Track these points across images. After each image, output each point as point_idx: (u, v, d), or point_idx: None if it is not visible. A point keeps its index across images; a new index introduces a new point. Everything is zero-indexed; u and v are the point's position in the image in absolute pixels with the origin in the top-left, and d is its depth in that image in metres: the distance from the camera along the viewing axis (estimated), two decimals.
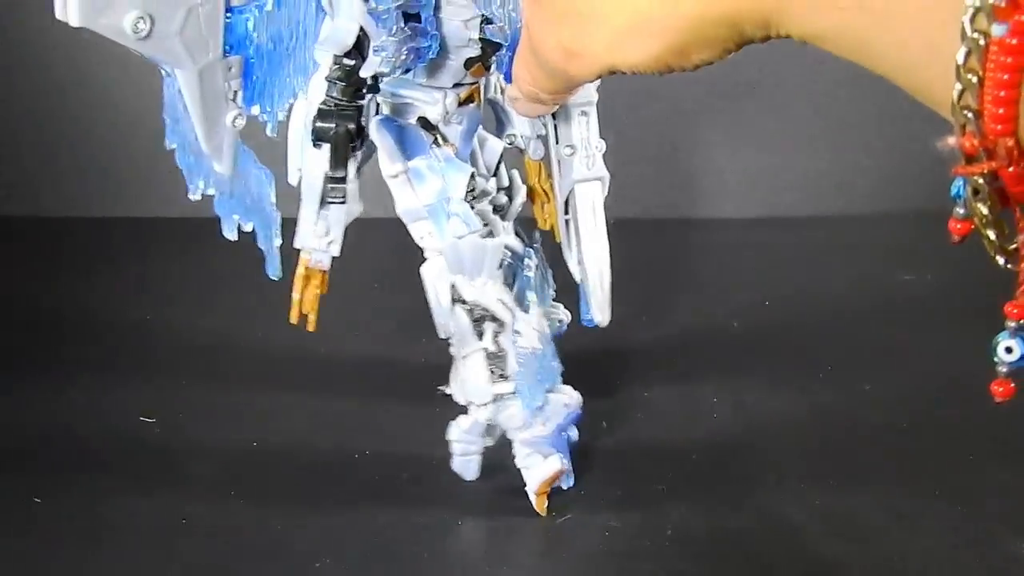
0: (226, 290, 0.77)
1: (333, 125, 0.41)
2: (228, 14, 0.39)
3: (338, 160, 0.42)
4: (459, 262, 0.48)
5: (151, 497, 0.53)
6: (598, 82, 0.50)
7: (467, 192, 0.48)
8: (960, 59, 0.24)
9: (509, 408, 0.51)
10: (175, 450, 0.58)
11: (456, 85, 0.47)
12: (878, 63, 0.27)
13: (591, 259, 0.56)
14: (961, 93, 0.24)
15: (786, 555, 0.50)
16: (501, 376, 0.50)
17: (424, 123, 0.48)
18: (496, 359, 0.50)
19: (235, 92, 0.40)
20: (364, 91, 0.42)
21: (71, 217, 0.93)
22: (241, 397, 0.63)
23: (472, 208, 0.48)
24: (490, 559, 0.50)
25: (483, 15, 0.42)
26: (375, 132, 0.47)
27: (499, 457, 0.54)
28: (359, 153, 0.45)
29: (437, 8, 0.43)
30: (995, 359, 0.28)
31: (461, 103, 0.48)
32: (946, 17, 0.24)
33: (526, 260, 0.56)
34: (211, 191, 0.43)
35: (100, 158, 0.95)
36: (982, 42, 0.23)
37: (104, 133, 0.95)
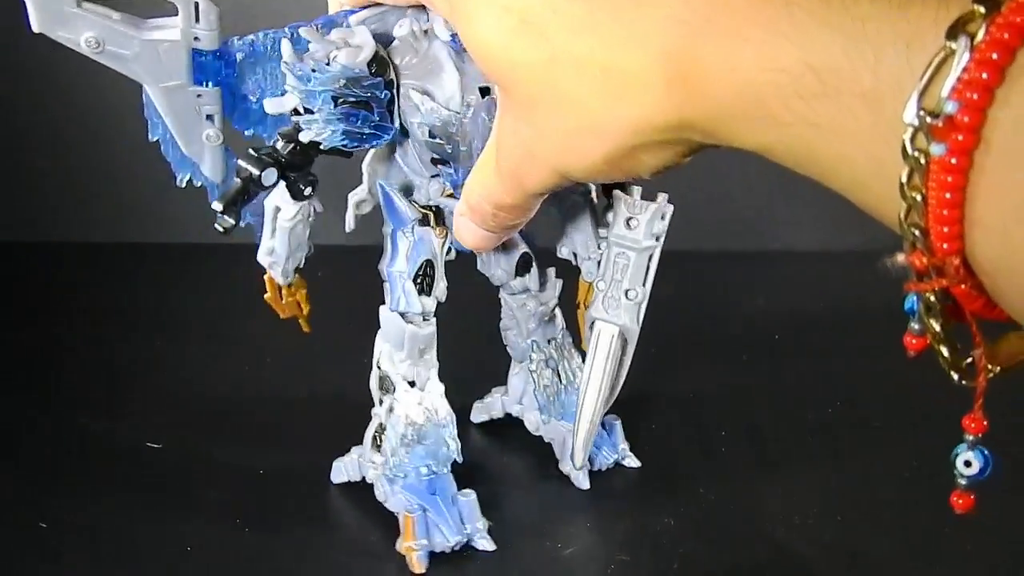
0: (233, 315, 0.77)
1: (246, 166, 0.44)
2: (201, 56, 0.42)
3: (227, 198, 0.43)
4: (388, 332, 0.50)
5: (157, 523, 0.53)
6: (648, 231, 0.47)
7: (420, 277, 0.49)
8: (903, 178, 0.24)
9: (380, 480, 0.52)
10: (182, 476, 0.57)
11: (437, 176, 0.48)
12: (826, 178, 0.27)
13: (583, 399, 0.52)
14: (907, 211, 0.24)
15: None
16: (378, 448, 0.52)
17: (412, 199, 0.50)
18: (382, 431, 0.51)
19: (209, 115, 0.44)
20: (311, 152, 0.46)
21: (77, 243, 0.93)
22: (248, 423, 0.63)
23: (428, 292, 0.50)
24: None
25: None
26: (378, 189, 0.51)
27: (499, 491, 0.55)
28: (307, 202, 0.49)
29: (399, 101, 0.44)
30: (954, 472, 0.28)
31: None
32: (888, 134, 0.24)
33: (532, 355, 0.56)
34: (198, 184, 0.46)
35: (101, 185, 0.94)
36: (923, 161, 0.23)
37: (99, 160, 0.93)
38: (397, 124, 0.45)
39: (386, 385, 0.51)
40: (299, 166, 0.45)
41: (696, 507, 0.55)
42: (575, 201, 0.51)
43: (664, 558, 0.51)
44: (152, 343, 0.74)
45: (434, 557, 0.50)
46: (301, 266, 0.50)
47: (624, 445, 0.59)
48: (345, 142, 0.44)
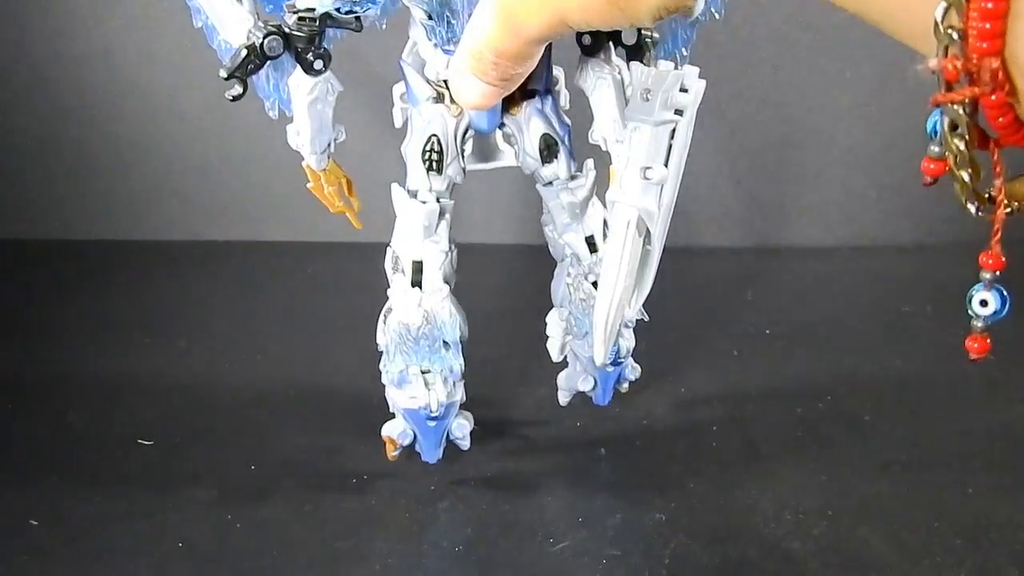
0: (227, 313, 0.78)
1: (250, 35, 0.45)
2: None
3: (231, 67, 0.45)
4: (397, 209, 0.50)
5: (148, 519, 0.53)
6: (664, 102, 0.44)
7: (426, 153, 0.49)
8: None
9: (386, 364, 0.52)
10: (173, 473, 0.57)
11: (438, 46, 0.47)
12: None
13: (601, 286, 0.49)
14: (946, 11, 0.23)
15: None
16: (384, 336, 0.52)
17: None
18: (389, 312, 0.51)
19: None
20: (317, 23, 0.45)
21: (66, 240, 0.91)
22: (241, 420, 0.63)
23: (439, 170, 0.49)
24: None
25: None
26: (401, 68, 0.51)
27: (493, 488, 0.55)
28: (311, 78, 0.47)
29: None
30: (970, 313, 0.27)
31: None
32: None
33: (567, 251, 0.53)
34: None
35: (105, 182, 0.91)
36: None
37: (90, 157, 0.90)
38: None
39: (396, 264, 0.51)
40: (307, 38, 0.47)
41: (687, 503, 0.55)
42: (602, 79, 0.49)
43: (654, 554, 0.51)
44: (141, 339, 0.74)
45: (417, 553, 0.51)
46: (331, 150, 0.52)
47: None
48: (338, 6, 0.45)
